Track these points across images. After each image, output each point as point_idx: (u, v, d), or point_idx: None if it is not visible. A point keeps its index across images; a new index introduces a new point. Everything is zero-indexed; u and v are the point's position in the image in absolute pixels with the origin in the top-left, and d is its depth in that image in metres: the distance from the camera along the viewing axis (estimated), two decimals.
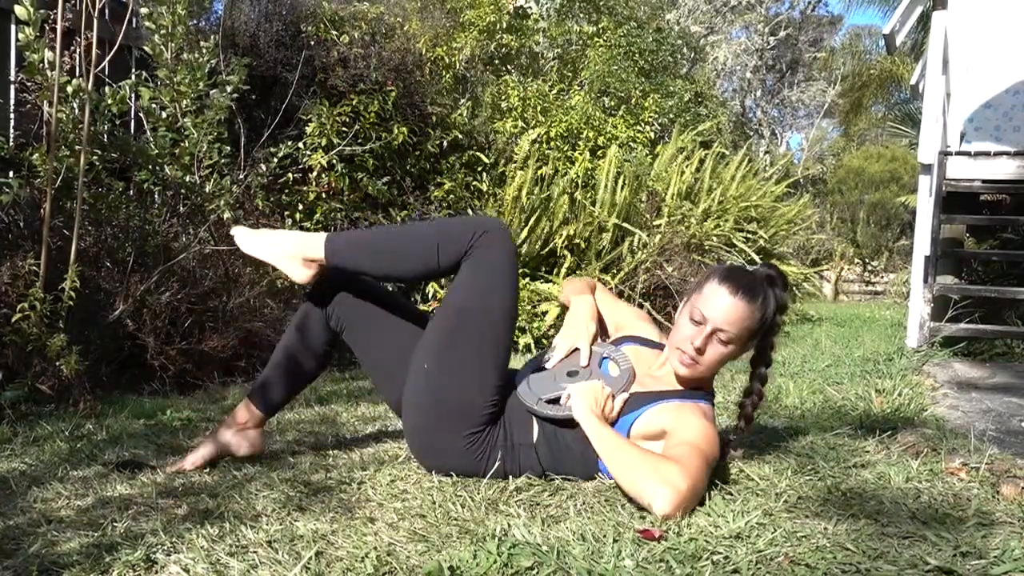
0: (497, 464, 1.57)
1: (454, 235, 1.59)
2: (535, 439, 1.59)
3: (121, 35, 2.58)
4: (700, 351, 1.53)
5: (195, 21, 3.29)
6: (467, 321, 1.59)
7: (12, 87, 2.90)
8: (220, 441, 1.71)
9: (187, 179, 2.96)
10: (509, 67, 6.09)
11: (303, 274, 1.66)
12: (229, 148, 3.16)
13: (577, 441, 1.53)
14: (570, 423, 1.54)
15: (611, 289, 4.53)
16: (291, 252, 1.65)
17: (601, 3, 6.71)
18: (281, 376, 1.75)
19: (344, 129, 4.01)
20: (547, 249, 4.70)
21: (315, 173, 3.96)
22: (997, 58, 4.98)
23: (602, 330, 1.80)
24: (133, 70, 3.35)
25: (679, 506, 1.30)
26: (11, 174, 2.56)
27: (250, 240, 1.69)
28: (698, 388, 1.61)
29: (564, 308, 1.78)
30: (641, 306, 4.53)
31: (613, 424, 1.55)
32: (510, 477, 1.57)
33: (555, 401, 1.58)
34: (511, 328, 1.63)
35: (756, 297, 1.53)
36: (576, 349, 1.68)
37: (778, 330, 1.61)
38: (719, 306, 1.52)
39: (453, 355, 1.58)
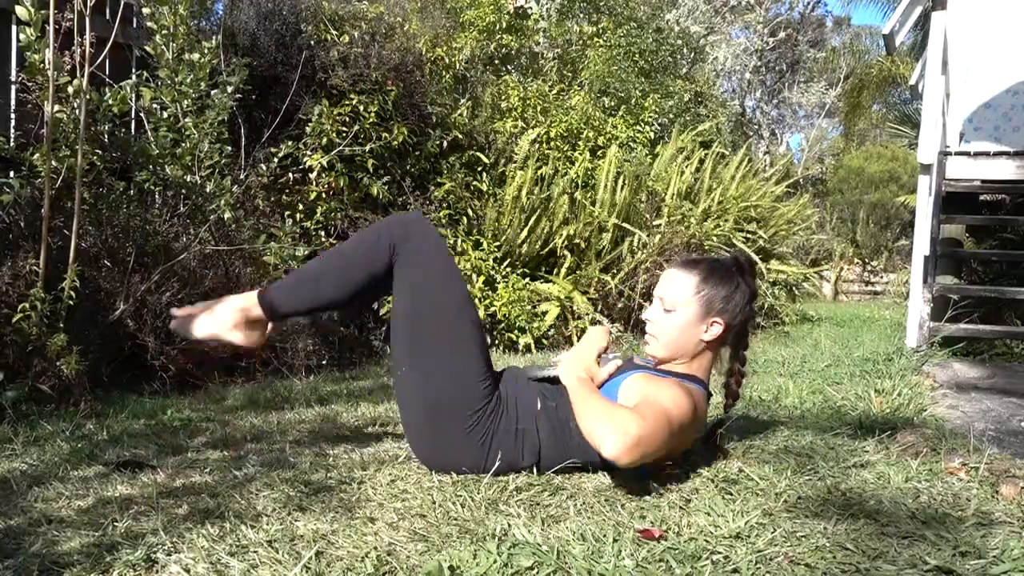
0: (500, 448, 1.58)
1: (373, 241, 1.61)
2: (537, 420, 1.60)
3: (115, 32, 2.59)
4: (650, 322, 1.67)
5: (196, 21, 3.29)
6: (424, 316, 1.61)
7: (12, 87, 2.90)
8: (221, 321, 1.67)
9: (188, 179, 2.97)
10: (509, 67, 6.09)
11: (252, 338, 1.66)
12: (230, 148, 3.16)
13: (576, 424, 1.57)
14: (567, 393, 1.61)
15: (611, 289, 4.54)
16: (231, 321, 1.65)
17: (601, 3, 6.71)
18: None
19: (344, 129, 4.02)
20: (547, 249, 4.71)
21: (315, 173, 3.96)
22: (997, 58, 4.98)
23: None
24: (134, 70, 3.35)
25: (625, 451, 1.34)
26: (12, 174, 2.56)
27: (188, 326, 1.69)
28: (690, 374, 1.66)
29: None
30: (641, 307, 4.53)
31: (601, 387, 1.61)
32: (511, 475, 1.57)
33: (550, 378, 1.67)
34: (468, 306, 1.65)
35: (694, 267, 1.66)
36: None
37: (749, 312, 1.69)
38: (662, 280, 1.69)
39: (426, 356, 1.60)
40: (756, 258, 5.34)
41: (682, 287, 1.64)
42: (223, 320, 1.65)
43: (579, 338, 1.83)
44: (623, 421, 1.39)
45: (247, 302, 1.65)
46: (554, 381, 1.65)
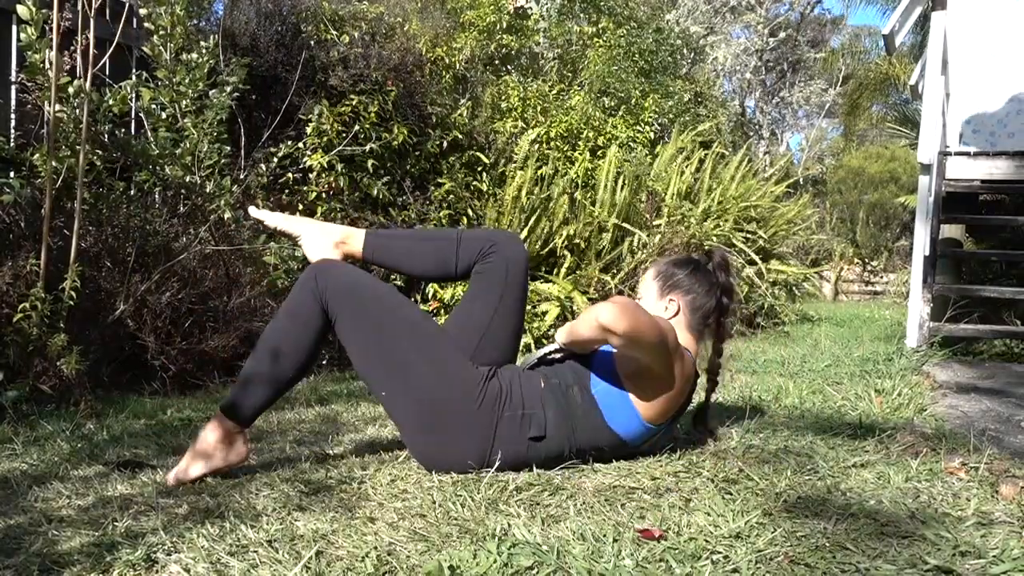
0: (506, 430, 1.59)
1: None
2: (543, 398, 1.63)
3: (119, 33, 2.59)
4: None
5: (195, 21, 3.29)
6: (373, 344, 1.63)
7: (13, 87, 2.90)
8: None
9: (187, 179, 2.97)
10: (509, 67, 6.09)
11: (239, 453, 1.63)
12: (229, 148, 3.16)
13: (580, 389, 1.62)
14: (557, 358, 1.70)
15: (611, 289, 4.54)
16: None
17: (601, 3, 6.71)
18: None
19: (344, 129, 4.01)
20: (547, 249, 4.70)
21: (315, 173, 3.96)
22: (996, 59, 4.99)
23: None
24: (133, 70, 3.35)
25: (619, 315, 1.44)
26: (12, 174, 2.56)
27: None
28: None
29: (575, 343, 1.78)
30: None
31: (596, 352, 1.67)
32: (510, 476, 1.57)
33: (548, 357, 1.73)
34: (409, 312, 1.67)
35: (659, 262, 1.87)
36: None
37: (724, 307, 1.80)
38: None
39: (397, 373, 1.62)
40: (756, 258, 5.35)
41: (647, 274, 1.86)
42: (206, 453, 1.59)
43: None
44: (612, 298, 1.52)
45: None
46: (548, 359, 1.71)
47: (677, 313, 1.78)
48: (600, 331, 1.49)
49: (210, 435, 1.60)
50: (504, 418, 1.59)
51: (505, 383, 1.63)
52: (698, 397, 1.97)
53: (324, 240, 1.74)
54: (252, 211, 1.81)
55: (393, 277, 4.08)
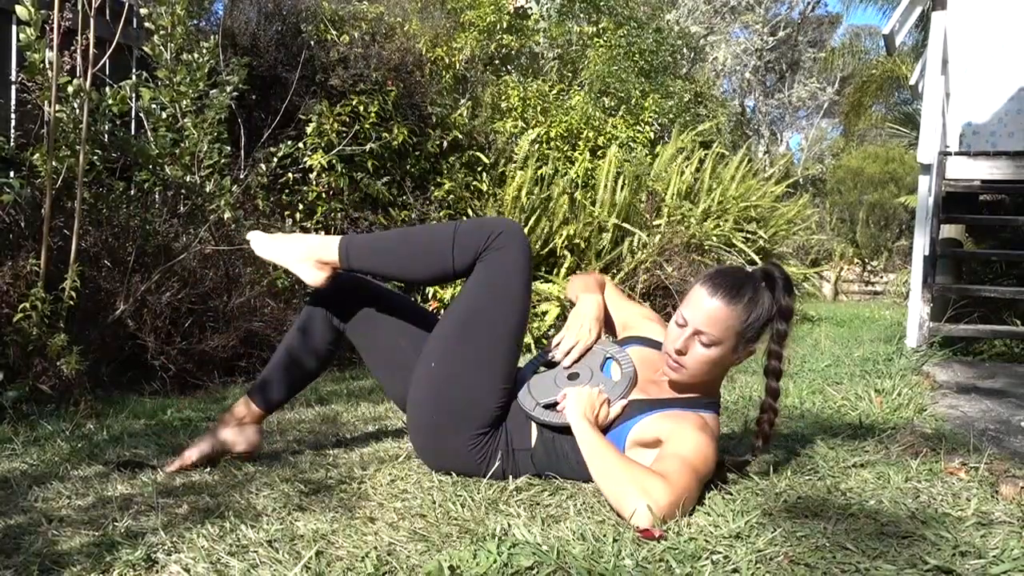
0: (496, 465, 1.57)
1: (468, 236, 1.58)
2: (533, 445, 1.58)
3: (119, 33, 2.59)
4: (680, 352, 1.51)
5: (195, 21, 3.28)
6: (477, 323, 1.59)
7: (12, 87, 2.90)
8: (218, 438, 1.71)
9: (187, 179, 2.96)
10: (509, 67, 6.09)
11: (316, 276, 1.68)
12: (229, 148, 3.16)
13: (575, 450, 1.50)
14: (567, 430, 1.52)
15: None
16: (305, 255, 1.67)
17: (601, 3, 6.71)
18: (282, 375, 1.76)
19: (344, 129, 4.01)
20: (547, 249, 4.70)
21: (315, 173, 3.96)
22: (996, 59, 4.99)
23: (608, 328, 1.79)
24: (133, 70, 3.35)
25: (655, 522, 1.26)
26: (12, 174, 2.56)
27: (265, 244, 1.72)
28: (702, 395, 1.57)
29: (570, 303, 1.77)
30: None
31: (609, 429, 1.53)
32: (509, 477, 1.57)
33: (553, 406, 1.57)
34: (521, 331, 1.62)
35: (739, 297, 1.49)
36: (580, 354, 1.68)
37: (781, 337, 1.54)
38: (699, 307, 1.50)
39: (461, 357, 1.58)
40: (756, 258, 5.34)
41: (726, 324, 1.49)
42: (299, 250, 1.68)
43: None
44: (652, 490, 1.30)
45: (327, 243, 1.68)
46: (558, 429, 1.56)
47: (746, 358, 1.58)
48: (622, 509, 1.31)
49: (314, 241, 1.67)
50: (496, 451, 1.58)
51: (505, 422, 1.61)
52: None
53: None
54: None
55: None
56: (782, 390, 2.66)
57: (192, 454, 1.67)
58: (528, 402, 1.60)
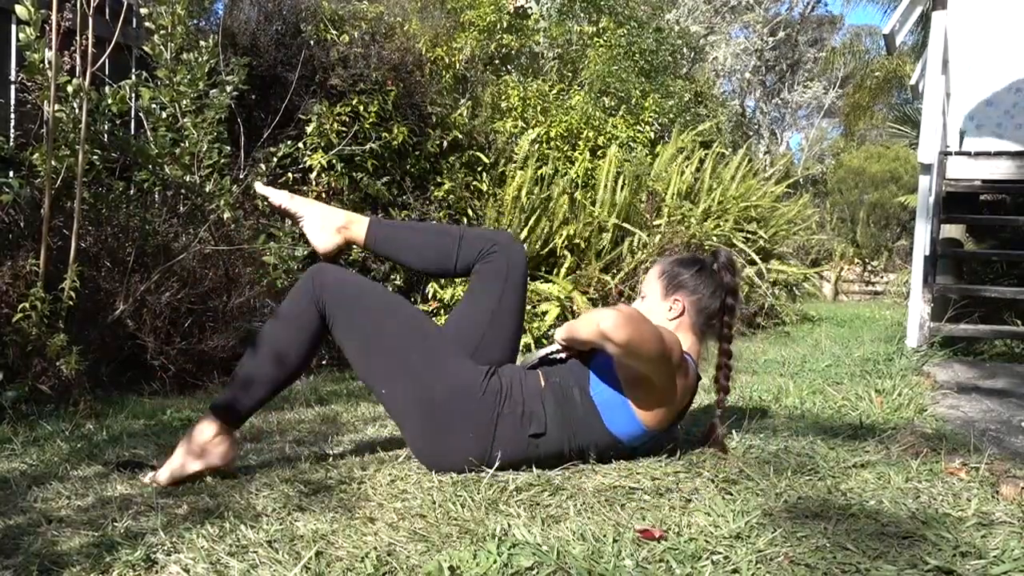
0: (504, 443, 1.58)
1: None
2: (543, 395, 1.62)
3: (118, 32, 2.58)
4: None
5: (195, 21, 3.28)
6: (371, 342, 1.65)
7: (12, 87, 2.90)
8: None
9: (187, 179, 2.96)
10: (509, 67, 6.09)
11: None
12: (229, 148, 3.16)
13: (583, 393, 1.61)
14: (558, 359, 1.68)
15: (611, 289, 4.54)
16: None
17: (601, 3, 6.71)
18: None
19: (344, 129, 4.01)
20: (547, 249, 4.70)
21: (315, 173, 3.96)
22: (997, 57, 4.98)
23: None
24: (133, 70, 3.35)
25: (620, 323, 1.42)
26: (11, 174, 2.56)
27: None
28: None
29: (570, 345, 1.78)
30: None
31: (595, 353, 1.66)
32: (510, 477, 1.57)
33: (549, 355, 1.72)
34: (404, 310, 1.68)
35: (664, 260, 1.82)
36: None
37: (729, 308, 1.75)
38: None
39: (394, 373, 1.62)
40: (756, 258, 5.34)
41: (651, 272, 1.81)
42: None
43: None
44: (616, 306, 1.49)
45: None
46: (549, 360, 1.69)
47: (682, 314, 1.75)
48: (599, 336, 1.47)
49: (200, 434, 1.58)
50: (504, 415, 1.59)
51: (505, 381, 1.63)
52: (700, 400, 1.96)
53: (326, 223, 1.74)
54: (258, 187, 1.83)
55: (393, 277, 4.08)
56: (780, 386, 2.68)
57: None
58: (526, 363, 1.73)
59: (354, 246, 1.83)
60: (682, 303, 1.75)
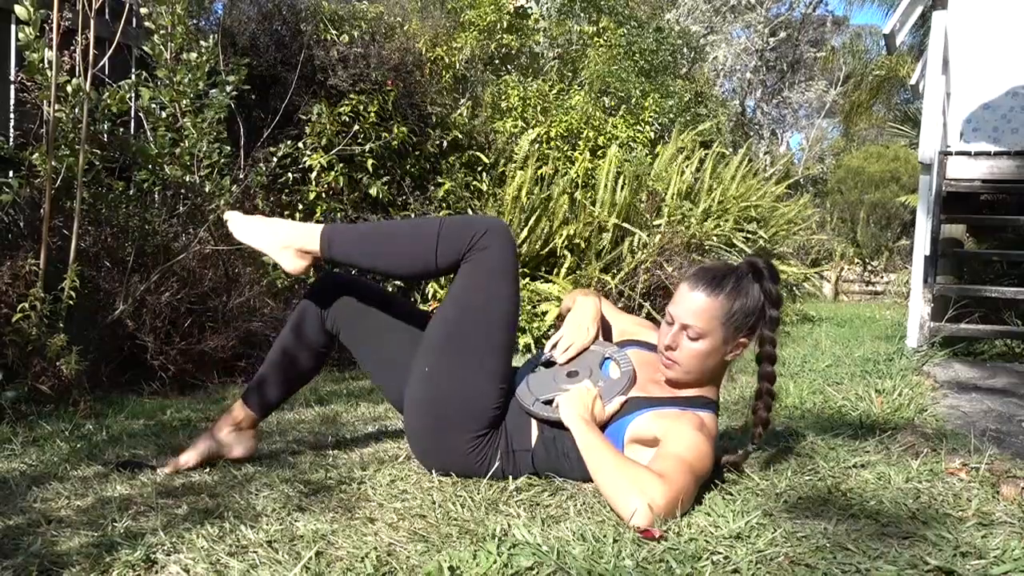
0: (496, 466, 1.57)
1: (453, 235, 1.56)
2: (533, 445, 1.58)
3: (119, 33, 2.58)
4: (671, 348, 1.53)
5: (194, 21, 3.28)
6: (467, 323, 1.58)
7: (12, 86, 2.90)
8: (214, 440, 1.71)
9: (187, 179, 2.96)
10: (509, 67, 6.09)
11: (296, 265, 1.63)
12: (229, 148, 3.16)
13: (575, 448, 1.50)
14: (565, 425, 1.53)
15: (611, 289, 4.53)
16: (285, 242, 1.62)
17: (601, 3, 6.70)
18: (277, 376, 1.75)
19: (343, 129, 4.01)
20: (547, 249, 4.70)
21: (315, 173, 3.96)
22: (997, 58, 4.98)
23: (605, 336, 1.79)
24: (133, 70, 3.35)
25: (653, 521, 1.27)
26: (11, 173, 2.56)
27: (244, 226, 1.66)
28: (701, 395, 1.57)
29: (568, 311, 1.76)
30: (641, 306, 4.53)
31: (607, 426, 1.53)
32: (509, 478, 1.57)
33: (551, 402, 1.58)
34: (512, 330, 1.61)
35: (721, 288, 1.51)
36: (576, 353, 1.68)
37: (773, 324, 1.53)
38: (682, 302, 1.52)
39: (453, 360, 1.57)
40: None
41: (709, 314, 1.50)
42: (279, 236, 1.63)
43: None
44: (650, 489, 1.29)
45: (309, 230, 1.62)
46: (556, 424, 1.56)
47: (740, 352, 1.57)
48: (620, 509, 1.31)
49: (297, 228, 1.63)
50: (496, 452, 1.58)
51: (504, 422, 1.60)
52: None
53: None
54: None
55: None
56: (780, 386, 2.68)
57: (189, 459, 1.67)
58: (527, 398, 1.60)
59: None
60: (746, 344, 1.56)
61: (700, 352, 1.52)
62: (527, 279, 4.50)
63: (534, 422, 1.59)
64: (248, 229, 1.66)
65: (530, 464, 1.58)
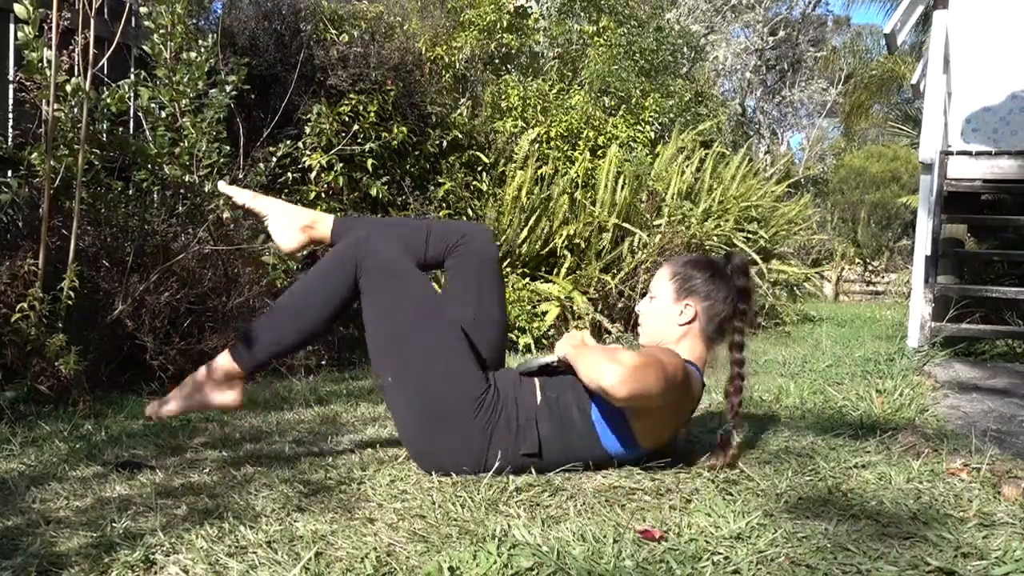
0: (500, 453, 1.57)
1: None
2: (538, 404, 1.60)
3: (119, 33, 2.58)
4: (638, 313, 1.77)
5: (194, 20, 3.28)
6: (396, 328, 1.63)
7: (11, 86, 2.89)
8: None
9: (186, 179, 2.96)
10: (509, 67, 6.08)
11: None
12: (228, 147, 3.16)
13: (582, 414, 1.57)
14: (558, 369, 1.64)
15: (611, 289, 4.53)
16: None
17: (602, 2, 6.70)
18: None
19: (343, 129, 4.01)
20: (547, 249, 4.70)
21: (314, 173, 3.96)
22: (998, 58, 4.98)
23: None
24: (132, 69, 3.35)
25: (622, 380, 1.39)
26: (10, 173, 2.56)
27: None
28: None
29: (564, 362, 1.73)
30: None
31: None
32: (510, 477, 1.56)
33: (547, 365, 1.68)
34: (441, 313, 1.65)
35: (676, 262, 1.74)
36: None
37: (741, 316, 1.69)
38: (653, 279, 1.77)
39: (408, 365, 1.60)
40: (757, 258, 5.34)
41: (662, 273, 1.75)
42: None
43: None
44: (620, 355, 1.45)
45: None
46: (548, 369, 1.66)
47: (693, 320, 1.68)
48: (598, 390, 1.45)
49: (206, 370, 1.64)
50: (499, 426, 1.57)
51: (502, 395, 1.60)
52: (708, 401, 1.93)
53: (291, 222, 1.73)
54: (221, 186, 1.82)
55: None
56: (780, 387, 2.67)
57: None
58: (522, 368, 1.70)
59: (319, 246, 1.82)
60: (694, 309, 1.68)
61: (654, 313, 1.72)
62: (527, 279, 4.50)
63: (537, 387, 1.62)
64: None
65: (535, 436, 1.57)
